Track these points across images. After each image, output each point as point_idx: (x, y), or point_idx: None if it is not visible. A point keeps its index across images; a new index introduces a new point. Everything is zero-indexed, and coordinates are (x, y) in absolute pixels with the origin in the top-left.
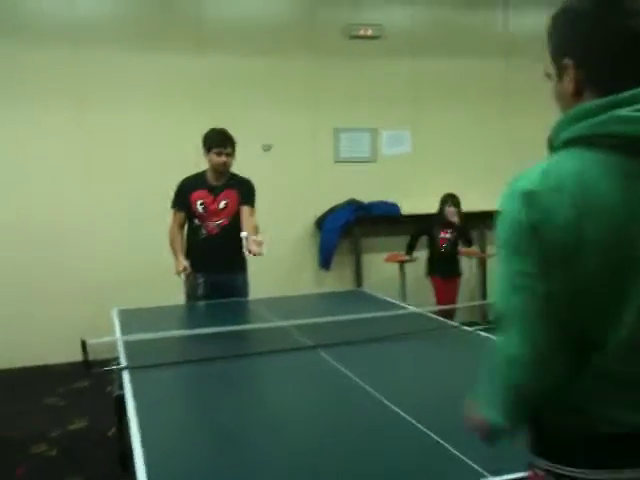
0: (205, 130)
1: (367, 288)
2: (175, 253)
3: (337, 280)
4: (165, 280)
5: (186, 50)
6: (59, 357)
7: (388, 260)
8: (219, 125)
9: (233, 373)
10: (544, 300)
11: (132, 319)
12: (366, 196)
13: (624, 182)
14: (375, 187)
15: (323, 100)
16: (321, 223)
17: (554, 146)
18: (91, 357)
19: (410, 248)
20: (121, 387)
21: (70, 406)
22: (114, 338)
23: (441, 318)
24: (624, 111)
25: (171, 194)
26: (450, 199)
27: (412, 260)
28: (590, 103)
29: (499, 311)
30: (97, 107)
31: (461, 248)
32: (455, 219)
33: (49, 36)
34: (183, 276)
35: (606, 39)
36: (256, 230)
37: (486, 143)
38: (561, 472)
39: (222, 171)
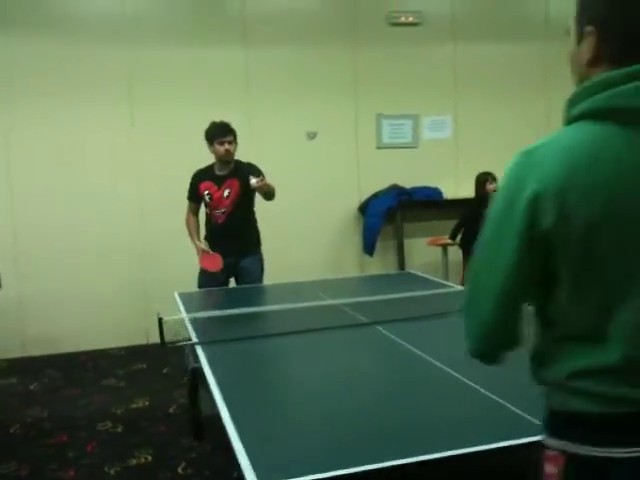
0: (250, 120)
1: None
2: (191, 237)
3: (380, 265)
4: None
5: (231, 43)
6: (115, 342)
7: (430, 244)
8: (265, 115)
9: (294, 347)
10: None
11: (192, 301)
12: (408, 181)
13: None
14: (417, 172)
15: (365, 87)
16: (364, 208)
17: (568, 118)
18: (150, 340)
19: (454, 234)
20: (196, 360)
21: (130, 386)
22: (189, 315)
23: None
24: None
25: None
26: (489, 177)
27: (455, 243)
28: (610, 73)
29: (476, 260)
30: (146, 102)
31: None
32: None
33: (100, 34)
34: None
35: (633, 14)
36: (271, 186)
37: (527, 128)
38: (574, 451)
39: (227, 159)
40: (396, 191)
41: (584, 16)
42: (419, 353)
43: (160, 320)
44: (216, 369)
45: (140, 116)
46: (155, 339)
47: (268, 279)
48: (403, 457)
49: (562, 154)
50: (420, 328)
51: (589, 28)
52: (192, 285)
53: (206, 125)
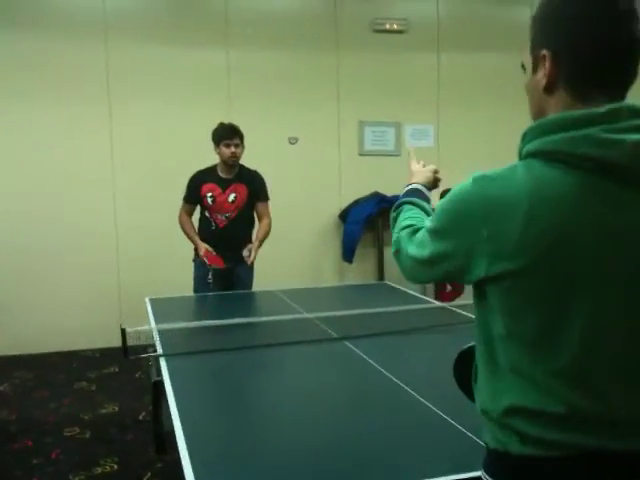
0: (236, 123)
1: (389, 281)
2: (192, 238)
3: (359, 273)
4: (183, 267)
5: (212, 44)
6: (89, 344)
7: None
8: (246, 118)
9: (262, 361)
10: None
11: (162, 308)
12: (390, 189)
13: (582, 202)
14: (399, 180)
15: (348, 93)
16: (345, 216)
17: (520, 151)
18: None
19: None
20: (159, 373)
21: (100, 390)
22: (151, 327)
23: (465, 312)
24: (597, 130)
25: None
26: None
27: None
28: (563, 115)
29: (430, 227)
30: (125, 100)
31: None
32: None
33: (79, 30)
34: (197, 262)
35: (587, 38)
36: (268, 230)
37: (510, 139)
38: None
39: (232, 163)
40: (377, 198)
41: (539, 42)
42: (383, 372)
43: (123, 331)
44: (176, 383)
45: (118, 114)
46: (130, 341)
47: None
48: None
49: (511, 197)
50: (389, 344)
51: (543, 51)
52: (166, 286)
53: (185, 126)
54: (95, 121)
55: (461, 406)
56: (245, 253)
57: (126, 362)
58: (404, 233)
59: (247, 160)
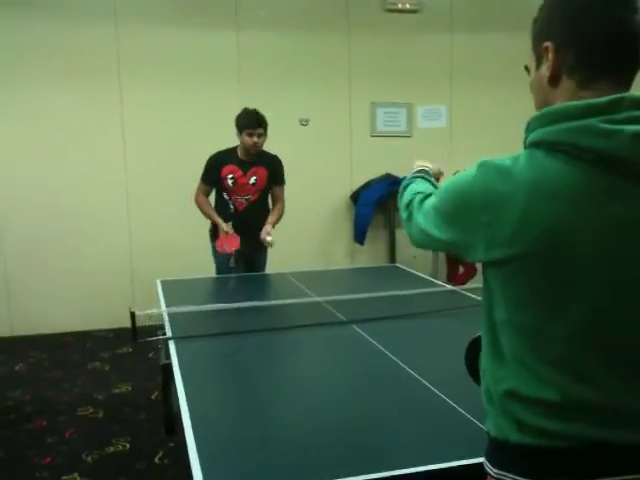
0: (242, 105)
1: (400, 263)
2: (212, 217)
3: (370, 254)
4: (196, 252)
5: (223, 27)
6: (102, 324)
7: None
8: (256, 100)
9: (270, 345)
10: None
11: (174, 290)
12: (402, 171)
13: (583, 194)
14: (411, 162)
15: (360, 74)
16: (356, 197)
17: (525, 140)
18: (138, 323)
19: None
20: (167, 356)
21: (114, 370)
22: (160, 310)
23: (475, 296)
24: (597, 121)
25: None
26: None
27: None
28: (566, 105)
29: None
30: (135, 84)
31: None
32: None
33: (88, 14)
34: (219, 247)
35: (590, 27)
36: (281, 215)
37: (522, 121)
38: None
39: (253, 152)
40: (389, 180)
41: (542, 35)
42: (390, 355)
43: (132, 314)
44: (185, 366)
45: (129, 98)
46: (142, 322)
47: None
48: (357, 474)
49: (511, 187)
50: (397, 328)
51: (546, 44)
52: (180, 266)
53: (196, 108)
54: (106, 105)
55: (467, 392)
56: (263, 235)
57: (140, 342)
58: (417, 198)
59: None
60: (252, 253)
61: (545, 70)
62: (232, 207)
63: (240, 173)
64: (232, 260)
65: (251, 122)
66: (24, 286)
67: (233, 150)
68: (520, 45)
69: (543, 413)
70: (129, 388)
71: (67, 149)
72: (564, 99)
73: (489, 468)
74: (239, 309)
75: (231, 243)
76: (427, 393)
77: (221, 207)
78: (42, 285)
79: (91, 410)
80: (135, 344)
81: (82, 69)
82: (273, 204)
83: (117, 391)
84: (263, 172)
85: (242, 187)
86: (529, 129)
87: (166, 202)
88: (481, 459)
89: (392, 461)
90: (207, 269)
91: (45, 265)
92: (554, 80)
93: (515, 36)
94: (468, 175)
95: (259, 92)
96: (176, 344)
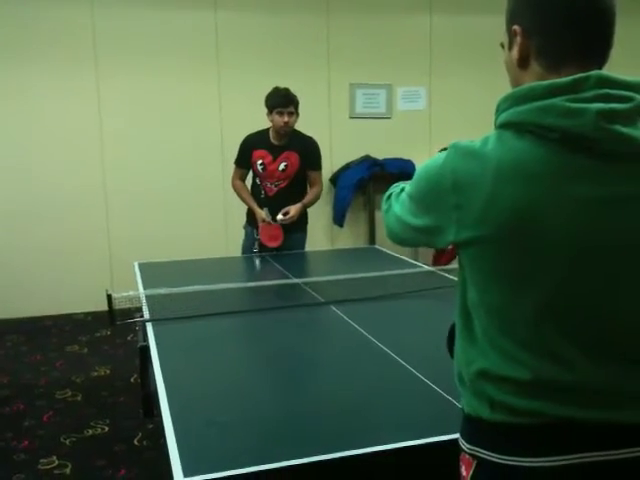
0: (220, 88)
1: (380, 245)
2: (249, 204)
3: (350, 236)
4: (175, 235)
5: (201, 6)
6: (81, 307)
7: None
8: (234, 80)
9: (248, 326)
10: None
11: (152, 272)
12: (381, 152)
13: (551, 174)
14: (390, 144)
15: (338, 55)
16: (335, 179)
17: (495, 121)
18: (117, 306)
19: None
20: (145, 338)
21: (92, 354)
22: (137, 293)
23: (452, 277)
24: (562, 100)
25: (181, 154)
26: None
27: None
28: (532, 85)
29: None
30: (112, 63)
31: None
32: None
33: None
34: (247, 230)
35: (554, 10)
36: (315, 198)
37: None
38: (484, 457)
39: (284, 132)
40: (368, 162)
41: (511, 18)
42: (367, 335)
43: (109, 297)
44: (162, 348)
45: (105, 78)
46: (121, 305)
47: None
48: (334, 451)
49: (479, 169)
50: (375, 309)
51: (515, 27)
52: (158, 246)
53: (173, 88)
54: (83, 89)
55: (444, 371)
56: (279, 217)
57: (118, 325)
58: (396, 190)
59: (237, 123)
60: (286, 240)
61: (515, 53)
62: (263, 192)
63: (270, 159)
64: (256, 244)
65: (281, 100)
66: (1, 270)
67: (265, 133)
68: (500, 27)
69: (513, 392)
70: (108, 371)
71: (41, 128)
72: (532, 82)
73: (463, 444)
74: (217, 291)
75: (273, 237)
76: (404, 372)
77: (254, 191)
78: (20, 269)
79: (69, 393)
80: (114, 327)
81: (58, 52)
82: (310, 188)
83: (95, 374)
84: (295, 158)
85: (271, 173)
86: (498, 110)
87: (144, 185)
88: (456, 435)
89: (369, 438)
90: (185, 252)
91: (23, 249)
92: (523, 63)
93: (495, 18)
94: (438, 159)
95: (237, 72)
96: (154, 326)
